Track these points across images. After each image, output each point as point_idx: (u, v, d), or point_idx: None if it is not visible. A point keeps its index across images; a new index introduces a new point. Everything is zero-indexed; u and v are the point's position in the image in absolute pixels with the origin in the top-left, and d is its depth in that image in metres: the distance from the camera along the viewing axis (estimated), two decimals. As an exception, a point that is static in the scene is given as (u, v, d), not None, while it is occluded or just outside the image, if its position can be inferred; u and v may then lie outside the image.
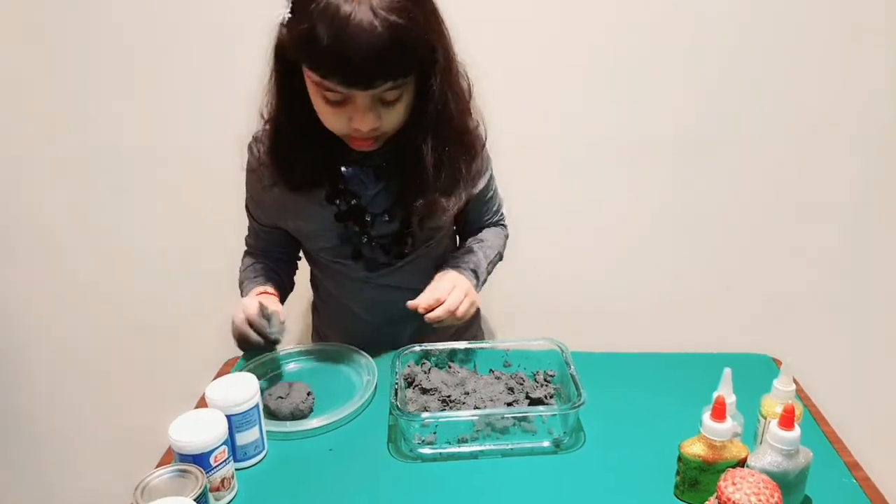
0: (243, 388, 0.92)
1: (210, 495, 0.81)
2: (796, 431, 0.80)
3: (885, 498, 0.88)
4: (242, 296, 1.18)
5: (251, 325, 1.07)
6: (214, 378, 1.03)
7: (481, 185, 1.18)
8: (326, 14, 0.86)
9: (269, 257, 1.24)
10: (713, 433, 0.81)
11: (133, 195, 1.62)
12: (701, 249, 1.61)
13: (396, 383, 0.99)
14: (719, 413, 0.81)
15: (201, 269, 1.64)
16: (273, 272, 1.22)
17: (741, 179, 1.55)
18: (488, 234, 1.25)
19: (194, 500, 0.75)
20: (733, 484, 0.71)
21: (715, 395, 0.83)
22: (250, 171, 1.14)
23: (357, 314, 1.22)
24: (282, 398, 1.03)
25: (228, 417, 0.89)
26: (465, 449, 0.95)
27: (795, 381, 1.07)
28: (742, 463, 0.82)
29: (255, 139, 1.12)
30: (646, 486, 0.89)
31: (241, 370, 1.08)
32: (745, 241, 1.60)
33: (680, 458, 0.84)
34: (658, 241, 1.59)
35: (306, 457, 0.96)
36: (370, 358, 1.13)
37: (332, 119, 0.99)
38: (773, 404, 0.87)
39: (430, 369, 1.06)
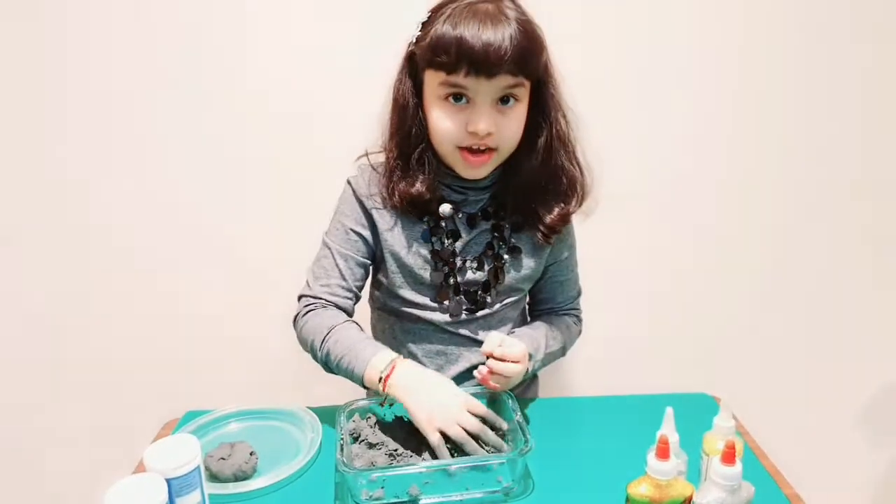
0: (183, 450, 0.89)
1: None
2: (738, 467, 0.82)
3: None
4: (355, 371, 1.06)
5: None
6: (154, 441, 1.00)
7: (570, 246, 1.22)
8: (459, 13, 0.97)
9: (346, 303, 1.15)
10: (658, 472, 0.82)
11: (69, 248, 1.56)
12: (639, 294, 1.64)
13: (342, 439, 0.98)
14: (663, 452, 0.82)
15: (135, 319, 1.59)
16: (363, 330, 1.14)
17: (676, 224, 1.60)
18: (562, 326, 1.22)
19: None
20: (679, 521, 0.73)
21: (658, 434, 0.84)
22: (357, 198, 1.14)
23: (417, 358, 1.17)
24: (224, 459, 1.00)
25: (168, 482, 0.85)
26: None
27: (735, 418, 1.10)
28: (688, 501, 0.83)
29: (362, 169, 1.16)
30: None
31: (180, 431, 1.04)
32: (682, 284, 1.65)
33: (627, 500, 0.85)
34: (596, 286, 1.61)
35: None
36: (315, 416, 1.11)
37: (449, 124, 1.03)
38: (714, 441, 0.89)
39: (375, 423, 1.05)
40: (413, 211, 1.12)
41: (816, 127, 1.55)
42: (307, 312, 1.13)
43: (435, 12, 1.02)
